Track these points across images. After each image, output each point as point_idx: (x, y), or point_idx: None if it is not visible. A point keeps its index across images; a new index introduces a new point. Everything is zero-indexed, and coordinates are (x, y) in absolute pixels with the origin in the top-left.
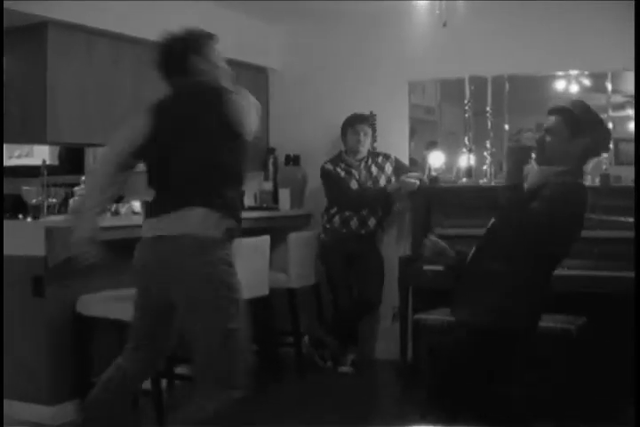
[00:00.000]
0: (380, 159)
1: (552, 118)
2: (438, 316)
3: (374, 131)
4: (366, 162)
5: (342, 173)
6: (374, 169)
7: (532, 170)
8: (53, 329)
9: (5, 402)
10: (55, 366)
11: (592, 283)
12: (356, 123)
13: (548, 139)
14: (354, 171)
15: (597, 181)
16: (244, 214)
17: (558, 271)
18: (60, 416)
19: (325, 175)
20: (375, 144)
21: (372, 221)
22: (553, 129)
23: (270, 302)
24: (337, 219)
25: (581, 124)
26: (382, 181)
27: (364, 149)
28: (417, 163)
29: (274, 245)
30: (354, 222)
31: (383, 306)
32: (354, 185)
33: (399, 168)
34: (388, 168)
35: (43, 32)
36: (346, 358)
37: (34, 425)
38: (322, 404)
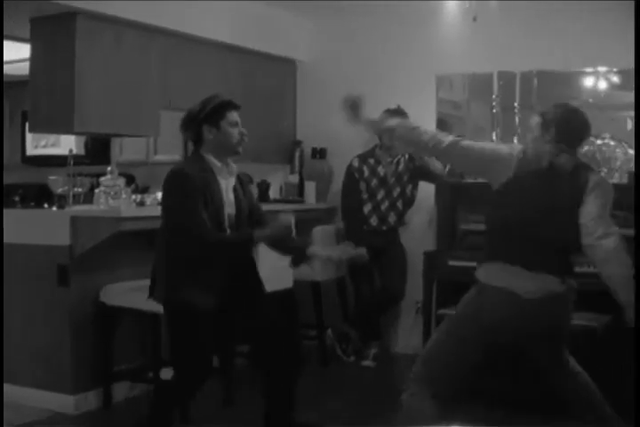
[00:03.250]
0: (407, 155)
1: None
2: None
3: None
4: (398, 160)
5: (367, 172)
6: (402, 167)
7: None
8: (77, 318)
9: (27, 390)
10: (78, 355)
11: None
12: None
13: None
14: (380, 168)
15: (626, 179)
16: (269, 207)
17: (585, 269)
18: (82, 405)
19: (345, 174)
20: None
21: (392, 218)
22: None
23: (294, 295)
24: (365, 208)
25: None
26: (405, 178)
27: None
28: None
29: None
30: (373, 220)
31: (407, 301)
32: (374, 184)
33: (420, 167)
34: (413, 166)
35: (71, 22)
36: (368, 351)
37: (55, 414)
38: (343, 398)
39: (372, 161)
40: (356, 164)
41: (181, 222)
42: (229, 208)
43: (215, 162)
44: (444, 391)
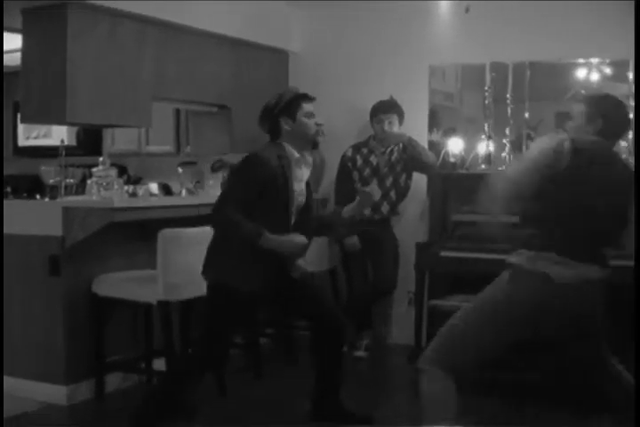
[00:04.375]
0: (401, 145)
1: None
2: (454, 302)
3: (402, 117)
4: (392, 150)
5: (359, 161)
6: (396, 157)
7: None
8: (69, 309)
9: (20, 381)
10: (70, 345)
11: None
12: (379, 112)
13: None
14: (373, 157)
15: None
16: None
17: None
18: (75, 396)
19: (339, 163)
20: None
21: (385, 207)
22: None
23: None
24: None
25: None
26: (399, 169)
27: (398, 136)
28: (435, 148)
29: None
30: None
31: (399, 291)
32: (367, 174)
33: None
34: (409, 157)
35: (63, 12)
36: (360, 342)
37: (48, 405)
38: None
39: (365, 151)
40: (349, 153)
41: (220, 198)
42: (300, 197)
43: (293, 152)
44: (467, 375)
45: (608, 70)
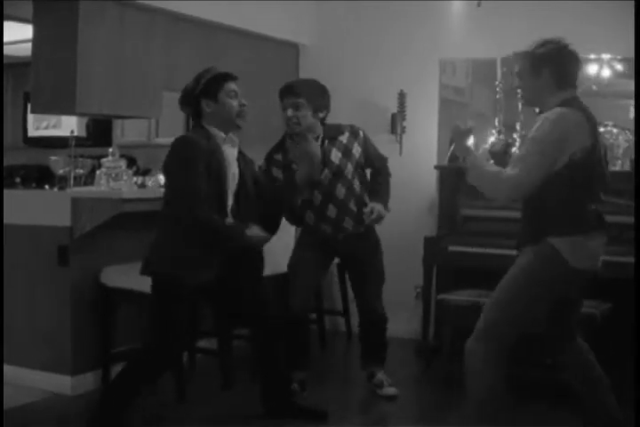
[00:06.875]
0: (345, 138)
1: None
2: (462, 296)
3: (314, 100)
4: (322, 144)
5: (279, 175)
6: (336, 154)
7: None
8: (77, 299)
9: (25, 371)
10: (77, 336)
11: (619, 269)
12: (282, 96)
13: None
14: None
15: (628, 166)
16: None
17: None
18: (80, 386)
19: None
20: (404, 123)
21: (348, 222)
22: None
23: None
24: (307, 217)
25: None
26: (349, 170)
27: (308, 127)
28: (445, 143)
29: None
30: (326, 227)
31: (407, 285)
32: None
33: (366, 150)
34: (357, 150)
35: (74, 2)
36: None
37: (53, 395)
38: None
39: (279, 157)
40: (263, 165)
41: (180, 189)
42: (233, 180)
43: (218, 132)
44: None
45: (619, 66)
